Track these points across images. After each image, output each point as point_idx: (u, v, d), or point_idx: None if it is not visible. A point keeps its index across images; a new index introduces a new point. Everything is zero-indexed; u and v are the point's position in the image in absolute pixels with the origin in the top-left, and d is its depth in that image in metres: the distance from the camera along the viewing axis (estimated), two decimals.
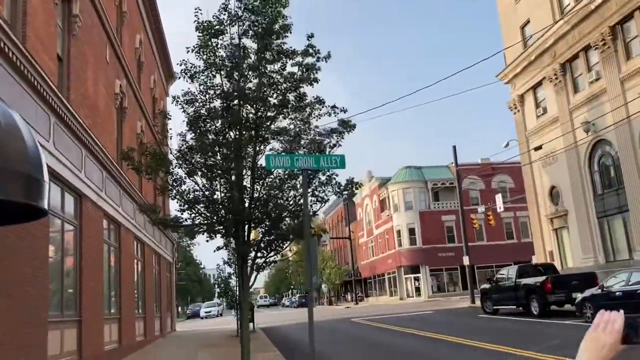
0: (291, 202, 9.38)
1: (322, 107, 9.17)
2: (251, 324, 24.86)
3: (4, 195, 4.48)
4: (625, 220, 24.94)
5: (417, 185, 55.48)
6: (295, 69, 9.03)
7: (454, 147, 35.40)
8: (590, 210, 26.86)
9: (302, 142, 9.21)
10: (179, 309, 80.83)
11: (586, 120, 26.09)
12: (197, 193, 9.32)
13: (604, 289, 16.93)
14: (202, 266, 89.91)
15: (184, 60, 9.20)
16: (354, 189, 9.37)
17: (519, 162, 34.34)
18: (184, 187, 9.52)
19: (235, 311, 20.67)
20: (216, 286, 31.26)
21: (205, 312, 56.53)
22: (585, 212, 26.96)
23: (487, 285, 25.18)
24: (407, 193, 55.37)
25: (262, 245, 9.34)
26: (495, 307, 24.19)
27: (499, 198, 36.63)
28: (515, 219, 53.54)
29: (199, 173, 9.18)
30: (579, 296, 18.38)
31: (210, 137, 9.16)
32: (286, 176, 9.51)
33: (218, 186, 9.21)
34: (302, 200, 9.32)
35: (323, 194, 9.52)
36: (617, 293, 16.20)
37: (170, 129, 10.48)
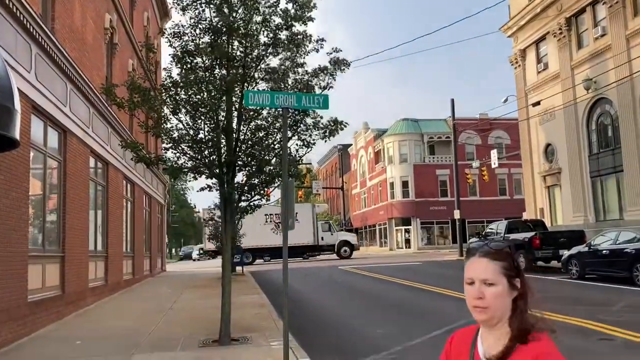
0: (277, 145, 9.12)
1: (309, 43, 8.77)
2: (239, 267, 25.10)
3: None
4: (619, 181, 24.90)
5: (413, 138, 55.13)
6: (289, 6, 8.61)
7: (452, 101, 34.98)
8: (584, 169, 26.77)
9: (290, 81, 8.86)
10: (173, 250, 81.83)
11: (588, 77, 25.63)
12: (182, 131, 9.06)
13: (591, 247, 16.98)
14: (196, 209, 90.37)
15: None
16: (339, 129, 9.05)
17: (517, 118, 34.00)
18: (168, 125, 9.26)
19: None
20: (206, 228, 31.37)
21: (197, 254, 57.40)
22: (579, 171, 26.87)
23: (475, 239, 25.30)
24: (403, 145, 55.10)
25: (245, 188, 9.16)
26: None
27: (494, 154, 36.43)
28: (510, 175, 53.55)
29: (183, 111, 8.89)
30: (565, 253, 18.48)
31: (198, 73, 8.82)
32: (273, 118, 9.23)
33: (202, 125, 8.93)
34: (289, 143, 9.08)
35: (310, 137, 9.25)
36: (604, 251, 16.27)
37: (156, 62, 10.08)
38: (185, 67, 8.93)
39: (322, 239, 38.38)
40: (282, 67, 8.89)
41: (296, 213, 37.90)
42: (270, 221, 37.73)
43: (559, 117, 28.06)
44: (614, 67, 23.70)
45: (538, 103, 28.83)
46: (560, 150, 28.48)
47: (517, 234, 22.13)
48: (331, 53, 8.99)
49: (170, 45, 8.92)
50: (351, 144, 70.18)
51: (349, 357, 7.81)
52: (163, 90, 8.92)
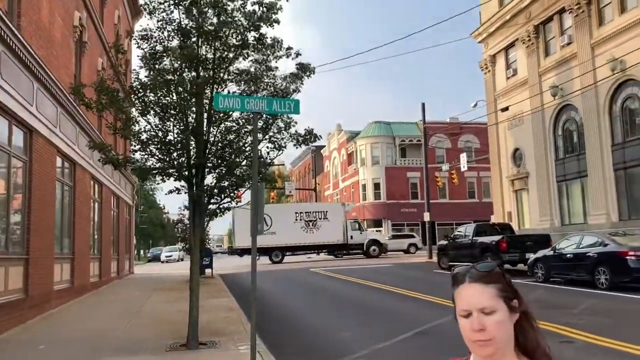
0: (247, 148, 9.12)
1: (280, 49, 8.82)
2: (209, 270, 24.92)
3: None
4: (583, 185, 25.51)
5: (385, 140, 55.60)
6: (255, 7, 8.61)
7: (423, 105, 35.31)
8: (551, 174, 27.35)
9: (261, 85, 8.86)
10: (141, 252, 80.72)
11: (554, 84, 26.21)
12: (151, 133, 8.98)
13: (556, 251, 17.35)
14: (165, 210, 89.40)
15: None
16: (311, 140, 9.15)
17: (486, 122, 34.54)
18: (137, 127, 9.17)
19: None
20: (177, 230, 31.15)
21: (166, 256, 56.60)
22: (546, 175, 27.44)
23: (444, 242, 25.58)
24: (375, 148, 55.53)
25: (215, 191, 9.12)
26: (450, 264, 24.66)
27: (463, 157, 36.93)
28: (479, 179, 54.35)
29: (152, 112, 8.81)
30: (531, 256, 18.82)
31: (166, 75, 8.76)
32: (244, 121, 9.22)
33: (171, 127, 8.86)
34: (260, 146, 9.08)
35: (281, 141, 9.28)
36: (568, 255, 16.63)
37: (126, 61, 9.98)
38: (153, 69, 8.86)
39: (352, 237, 38.94)
40: (255, 70, 8.89)
41: (326, 212, 39.01)
42: (300, 219, 38.71)
43: (527, 123, 28.61)
44: (579, 75, 24.28)
45: (507, 108, 29.36)
46: (527, 155, 29.04)
47: (485, 237, 22.46)
48: (294, 58, 9.03)
49: (139, 47, 8.85)
50: (324, 146, 70.33)
51: None
52: (132, 92, 8.83)
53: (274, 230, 36.91)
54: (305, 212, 39.12)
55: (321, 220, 38.79)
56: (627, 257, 14.51)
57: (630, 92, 22.77)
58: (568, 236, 18.43)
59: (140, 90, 8.70)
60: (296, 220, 38.43)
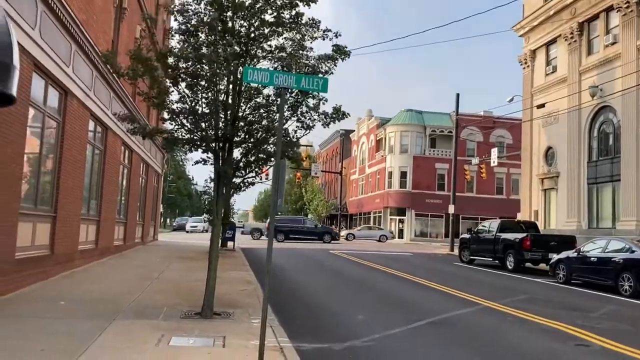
0: (276, 124, 9.10)
1: (316, 30, 8.79)
2: (231, 243, 25.23)
3: None
4: (615, 190, 24.96)
5: (416, 129, 55.12)
6: None
7: (457, 95, 34.83)
8: (582, 175, 26.83)
9: (294, 64, 8.80)
10: (167, 220, 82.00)
11: (594, 84, 25.56)
12: (181, 105, 9.04)
13: (580, 253, 17.07)
14: (194, 182, 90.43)
15: None
16: (339, 117, 9.06)
17: (520, 118, 33.96)
18: (170, 97, 9.24)
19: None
20: (203, 202, 31.52)
21: (191, 227, 57.25)
22: (577, 177, 26.93)
23: (466, 235, 25.40)
24: (405, 136, 55.11)
25: (241, 164, 9.16)
26: (471, 257, 24.50)
27: (494, 152, 36.45)
28: (508, 175, 53.61)
29: (184, 84, 8.86)
30: (554, 257, 18.57)
31: (202, 48, 8.81)
32: (275, 97, 9.20)
33: (201, 98, 8.91)
34: (288, 124, 9.09)
35: (309, 120, 9.24)
36: (592, 259, 16.35)
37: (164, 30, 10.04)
38: (190, 41, 8.92)
39: None
40: (290, 48, 8.88)
41: None
42: None
43: (562, 121, 28.03)
44: (621, 76, 23.62)
45: (543, 105, 28.79)
46: (560, 154, 28.49)
47: (508, 234, 22.22)
48: (332, 39, 8.96)
49: (176, 19, 8.91)
50: (354, 130, 70.08)
51: (328, 340, 7.89)
52: (170, 60, 8.91)
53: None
54: None
55: None
56: None
57: None
58: (594, 239, 18.10)
59: (175, 62, 8.77)
60: None
